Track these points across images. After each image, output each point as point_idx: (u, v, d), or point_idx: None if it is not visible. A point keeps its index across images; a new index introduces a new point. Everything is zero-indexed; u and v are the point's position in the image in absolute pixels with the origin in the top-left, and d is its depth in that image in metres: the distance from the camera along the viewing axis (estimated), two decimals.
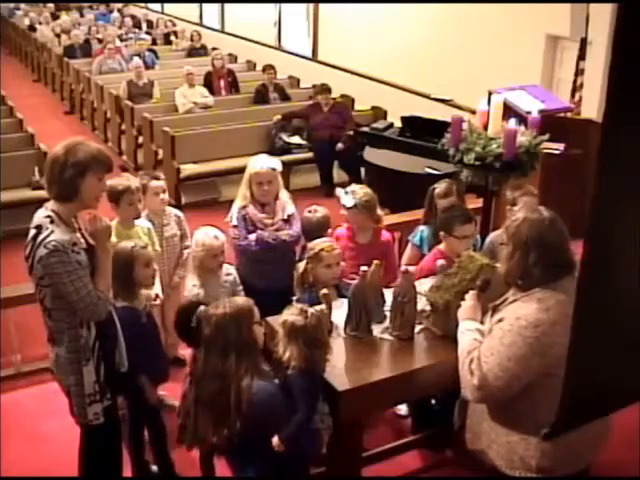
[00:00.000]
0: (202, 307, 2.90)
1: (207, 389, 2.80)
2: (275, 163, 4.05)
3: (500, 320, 2.49)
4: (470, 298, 2.76)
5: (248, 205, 4.02)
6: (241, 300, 2.92)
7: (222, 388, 2.72)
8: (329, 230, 4.04)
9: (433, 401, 3.86)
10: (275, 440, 2.72)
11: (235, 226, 4.01)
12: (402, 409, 4.05)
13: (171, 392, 3.97)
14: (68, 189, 2.74)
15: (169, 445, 3.51)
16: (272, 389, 2.75)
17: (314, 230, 3.89)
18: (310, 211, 4.12)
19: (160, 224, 4.32)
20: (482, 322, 2.68)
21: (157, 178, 4.33)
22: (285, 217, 4.07)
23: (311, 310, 2.82)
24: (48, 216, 2.74)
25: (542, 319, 2.37)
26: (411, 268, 3.74)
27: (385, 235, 4.12)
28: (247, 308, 2.83)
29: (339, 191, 4.02)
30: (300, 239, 4.08)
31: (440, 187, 4.10)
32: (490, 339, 2.49)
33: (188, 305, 3.11)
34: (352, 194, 3.91)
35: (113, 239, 3.69)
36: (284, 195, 4.13)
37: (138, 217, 4.10)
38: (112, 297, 3.13)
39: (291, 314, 2.79)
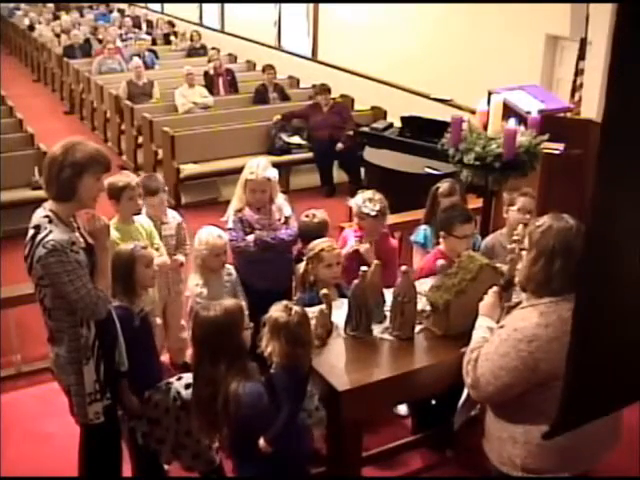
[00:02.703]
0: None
1: (201, 393, 2.80)
2: (271, 172, 4.02)
3: (502, 326, 2.51)
4: (491, 295, 2.77)
5: (244, 207, 4.02)
6: (232, 303, 2.90)
7: (213, 393, 2.72)
8: (327, 233, 4.03)
9: (433, 401, 3.86)
10: (261, 442, 2.72)
11: (231, 229, 4.01)
12: (402, 409, 4.05)
13: None
14: (66, 189, 2.73)
15: None
16: (260, 391, 2.75)
17: (313, 234, 3.87)
18: (308, 215, 4.10)
19: (159, 220, 4.31)
20: (499, 321, 2.69)
21: (153, 194, 4.25)
22: (282, 219, 4.06)
23: (296, 308, 2.82)
24: (46, 216, 2.74)
25: (539, 335, 2.36)
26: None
27: (390, 241, 4.10)
28: (238, 312, 2.83)
29: (353, 201, 3.98)
30: (297, 239, 4.07)
31: (444, 186, 4.11)
32: (489, 344, 2.51)
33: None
34: (370, 202, 3.88)
35: (114, 234, 3.70)
36: (280, 199, 4.12)
37: (139, 213, 4.11)
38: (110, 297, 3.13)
39: (276, 310, 2.80)
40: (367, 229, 3.94)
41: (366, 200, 3.90)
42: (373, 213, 3.86)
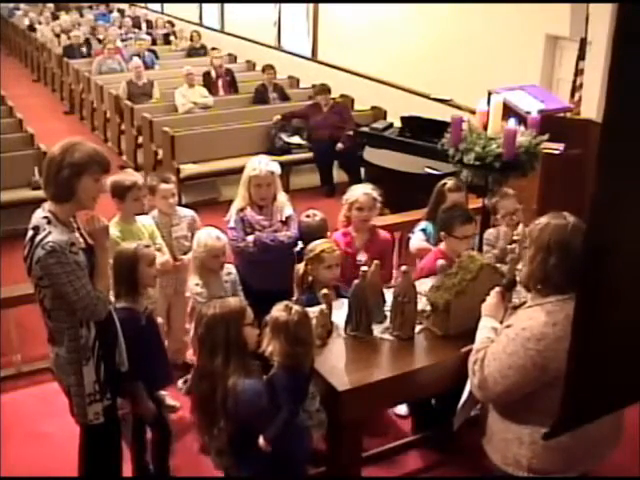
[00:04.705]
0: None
1: (199, 388, 2.82)
2: (274, 166, 4.05)
3: (509, 326, 2.51)
4: (494, 296, 2.78)
5: (246, 207, 4.03)
6: (233, 301, 2.92)
7: (212, 388, 2.73)
8: (328, 233, 4.04)
9: (433, 401, 3.86)
10: (261, 440, 2.73)
11: (232, 228, 4.01)
12: (402, 409, 4.05)
13: (172, 393, 3.97)
14: (64, 190, 2.73)
15: (171, 447, 3.52)
16: (259, 388, 2.75)
17: (314, 234, 3.88)
18: (309, 215, 4.11)
19: (169, 224, 4.30)
20: (502, 321, 2.69)
21: (167, 181, 4.29)
22: (283, 219, 4.07)
23: (296, 307, 2.82)
24: (45, 217, 2.73)
25: (547, 333, 2.37)
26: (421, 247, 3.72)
27: (383, 234, 4.11)
28: (237, 309, 2.83)
29: (351, 194, 4.03)
30: (297, 241, 4.07)
31: (450, 182, 4.14)
32: (496, 344, 2.51)
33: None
34: (372, 190, 3.99)
35: (115, 232, 3.69)
36: (282, 197, 4.13)
37: (141, 213, 4.10)
38: (114, 297, 3.13)
39: (277, 310, 2.81)
40: (360, 222, 3.93)
41: (367, 189, 3.96)
42: (379, 198, 3.99)
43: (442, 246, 3.77)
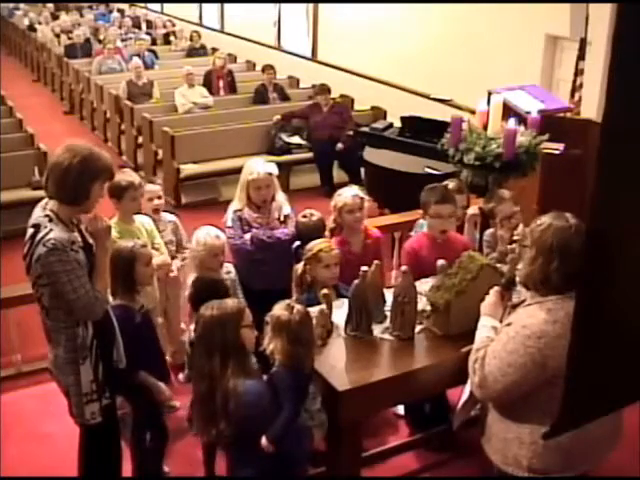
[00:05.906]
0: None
1: (197, 388, 2.83)
2: (271, 167, 4.05)
3: (509, 324, 2.51)
4: (493, 295, 2.79)
5: (244, 208, 4.04)
6: (231, 302, 2.91)
7: (210, 388, 2.74)
8: (326, 232, 4.03)
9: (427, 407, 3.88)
10: (263, 441, 2.72)
11: (230, 227, 4.02)
12: (402, 409, 4.05)
13: (172, 392, 3.97)
14: (79, 194, 2.73)
15: (166, 447, 3.52)
16: (260, 389, 2.75)
17: (312, 234, 3.87)
18: (306, 215, 4.10)
19: (156, 229, 4.29)
20: (501, 320, 2.69)
21: (153, 183, 4.31)
22: (281, 218, 4.07)
23: (298, 307, 2.83)
24: (47, 215, 2.74)
25: (547, 331, 2.37)
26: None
27: (374, 232, 4.10)
28: (235, 310, 2.83)
29: (341, 198, 3.99)
30: (295, 238, 4.06)
31: (453, 183, 4.12)
32: (496, 342, 2.51)
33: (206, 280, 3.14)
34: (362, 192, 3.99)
35: (116, 234, 3.70)
36: (280, 196, 4.14)
37: (139, 212, 4.11)
38: (110, 295, 3.13)
39: (279, 308, 2.82)
40: (354, 223, 3.91)
41: (353, 191, 3.93)
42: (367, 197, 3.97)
43: (425, 228, 3.79)
